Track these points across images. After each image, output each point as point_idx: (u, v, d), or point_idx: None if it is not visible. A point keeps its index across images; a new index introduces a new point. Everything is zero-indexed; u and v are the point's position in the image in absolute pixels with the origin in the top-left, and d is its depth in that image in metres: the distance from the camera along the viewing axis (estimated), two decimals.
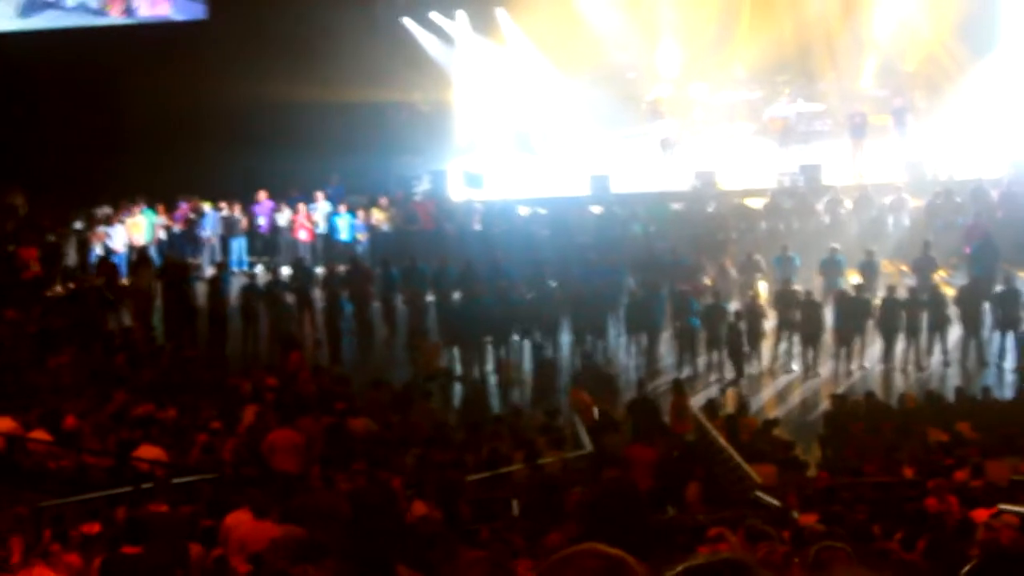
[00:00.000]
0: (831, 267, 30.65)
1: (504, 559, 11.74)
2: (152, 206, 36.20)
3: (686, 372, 28.37)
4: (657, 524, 14.32)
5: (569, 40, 41.13)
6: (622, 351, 30.03)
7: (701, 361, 28.95)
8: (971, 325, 28.26)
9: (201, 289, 32.46)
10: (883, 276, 30.69)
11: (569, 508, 15.44)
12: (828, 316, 28.96)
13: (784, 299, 29.05)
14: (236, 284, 32.46)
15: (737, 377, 28.16)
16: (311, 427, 20.83)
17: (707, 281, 30.88)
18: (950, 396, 25.07)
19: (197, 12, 41.27)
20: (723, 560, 3.53)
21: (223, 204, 36.50)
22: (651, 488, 20.91)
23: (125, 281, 33.21)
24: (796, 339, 28.81)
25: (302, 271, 32.71)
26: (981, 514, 15.11)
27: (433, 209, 36.98)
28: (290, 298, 31.35)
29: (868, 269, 30.41)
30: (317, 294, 31.82)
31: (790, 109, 40.31)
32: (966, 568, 4.67)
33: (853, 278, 30.32)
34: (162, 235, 36.07)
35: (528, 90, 42.97)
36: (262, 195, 36.60)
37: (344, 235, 35.79)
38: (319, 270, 33.82)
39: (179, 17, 41.69)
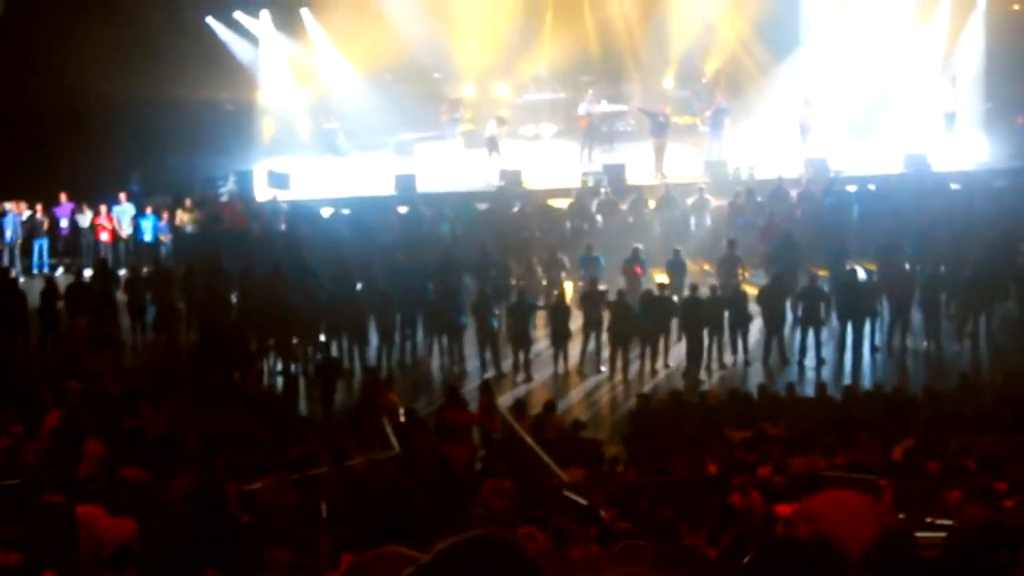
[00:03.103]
0: (588, 265, 31.02)
1: (312, 561, 11.65)
2: None
3: (491, 372, 28.42)
4: (463, 522, 14.25)
5: (374, 40, 41.02)
6: (431, 352, 29.96)
7: (507, 363, 29.01)
8: (772, 323, 28.71)
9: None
10: (688, 275, 31.07)
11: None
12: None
13: (590, 299, 29.21)
14: (37, 286, 31.75)
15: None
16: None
17: (513, 280, 31.01)
18: (754, 393, 25.40)
19: None
20: (477, 538, 3.39)
21: (22, 204, 35.61)
22: (472, 459, 21.02)
23: None
24: (604, 339, 28.97)
25: (104, 273, 32.09)
26: (784, 509, 15.32)
27: (239, 209, 36.54)
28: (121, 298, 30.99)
29: (675, 268, 30.74)
30: (120, 296, 31.30)
31: (594, 108, 40.49)
32: (746, 559, 4.74)
33: (660, 277, 30.64)
34: None
35: (333, 90, 42.80)
36: (63, 196, 35.81)
37: (148, 236, 35.26)
38: (122, 272, 33.22)
39: None
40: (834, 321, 29.12)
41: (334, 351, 29.27)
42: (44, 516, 13.30)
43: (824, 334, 28.85)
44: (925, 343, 29.29)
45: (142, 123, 37.30)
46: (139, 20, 38.18)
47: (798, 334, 28.88)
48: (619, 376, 28.49)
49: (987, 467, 17.87)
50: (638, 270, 30.66)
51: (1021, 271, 30.81)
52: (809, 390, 26.07)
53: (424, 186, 37.15)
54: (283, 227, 35.32)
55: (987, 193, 34.83)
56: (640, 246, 31.24)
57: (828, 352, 28.81)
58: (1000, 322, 30.11)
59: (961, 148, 38.41)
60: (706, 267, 32.52)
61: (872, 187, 35.76)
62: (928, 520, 14.55)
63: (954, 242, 31.13)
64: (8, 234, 35.14)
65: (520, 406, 25.05)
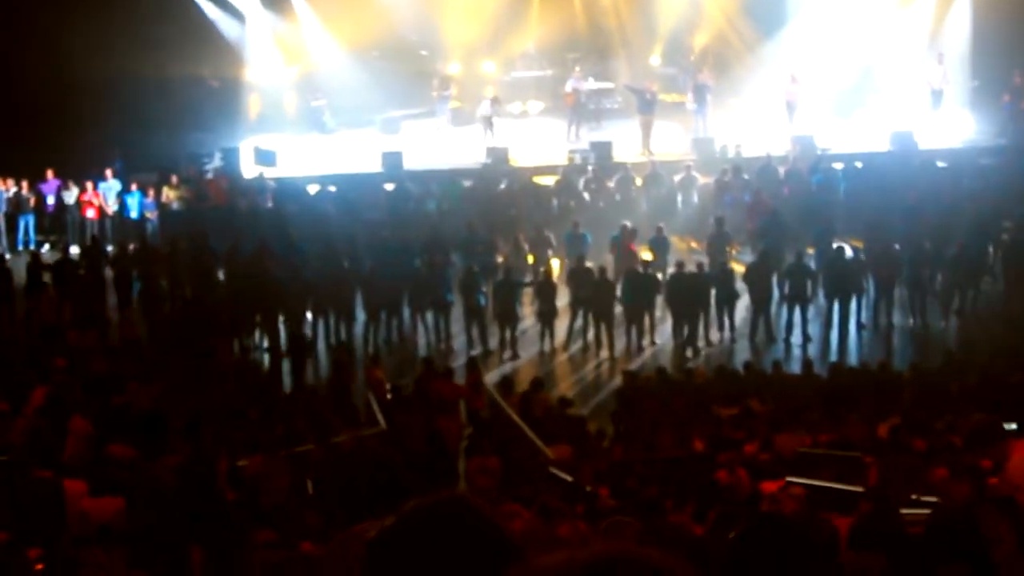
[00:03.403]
0: (574, 242, 30.98)
1: (296, 539, 11.66)
2: None
3: (477, 349, 28.42)
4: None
5: (360, 18, 40.98)
6: (417, 329, 29.95)
7: (494, 340, 29.00)
8: (759, 301, 28.71)
9: None
10: (673, 252, 31.05)
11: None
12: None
13: (576, 277, 29.20)
14: (22, 263, 31.70)
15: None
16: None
17: (500, 258, 30.98)
18: (740, 371, 25.41)
19: None
20: (439, 501, 3.39)
21: (8, 180, 35.56)
22: (460, 433, 21.00)
23: None
24: (589, 316, 28.95)
25: (95, 251, 32.04)
26: (769, 486, 15.33)
27: (225, 186, 36.48)
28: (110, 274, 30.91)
29: (658, 245, 30.71)
30: (108, 272, 31.25)
31: (580, 86, 40.46)
32: (732, 535, 4.76)
33: (644, 254, 30.61)
34: None
35: (319, 67, 42.75)
36: (49, 173, 35.76)
37: (134, 213, 35.22)
38: (109, 248, 33.22)
39: None
40: (820, 298, 29.10)
41: (320, 328, 29.32)
42: (32, 492, 13.30)
43: (810, 311, 28.81)
44: (911, 320, 29.31)
45: (129, 100, 37.26)
46: None
47: (784, 311, 28.89)
48: (605, 353, 28.49)
49: (973, 444, 17.91)
50: (633, 247, 30.61)
51: (1006, 248, 30.83)
52: (795, 367, 26.03)
53: (411, 163, 37.08)
54: (269, 204, 35.28)
55: (973, 171, 34.81)
56: (628, 224, 31.21)
57: (814, 329, 28.80)
58: (985, 299, 30.15)
59: (948, 126, 38.43)
60: (693, 244, 32.52)
61: (859, 165, 35.74)
62: (914, 497, 14.59)
63: (940, 219, 31.14)
64: None
65: (507, 383, 25.02)
